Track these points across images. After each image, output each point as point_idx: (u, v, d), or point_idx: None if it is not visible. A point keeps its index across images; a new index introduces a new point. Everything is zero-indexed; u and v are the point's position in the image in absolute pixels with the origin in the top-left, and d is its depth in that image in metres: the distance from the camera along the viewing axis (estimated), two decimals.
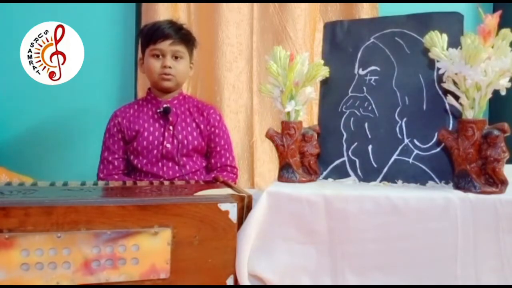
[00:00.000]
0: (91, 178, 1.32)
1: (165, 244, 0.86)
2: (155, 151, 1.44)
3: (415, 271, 0.88)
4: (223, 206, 0.90)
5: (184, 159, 1.46)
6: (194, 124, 1.49)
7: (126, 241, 0.83)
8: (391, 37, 1.06)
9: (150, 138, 1.44)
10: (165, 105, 1.46)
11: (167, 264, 0.86)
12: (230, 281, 0.90)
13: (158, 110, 1.47)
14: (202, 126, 1.50)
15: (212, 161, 1.53)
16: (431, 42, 0.93)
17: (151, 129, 1.46)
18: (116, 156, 1.46)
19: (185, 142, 1.45)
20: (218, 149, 1.52)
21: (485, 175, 0.90)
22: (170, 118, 1.45)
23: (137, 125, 1.46)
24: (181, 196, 0.94)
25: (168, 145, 1.44)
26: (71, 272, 0.80)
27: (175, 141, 1.45)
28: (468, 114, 0.90)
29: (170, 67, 1.45)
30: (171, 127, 1.46)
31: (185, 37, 1.49)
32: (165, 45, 1.45)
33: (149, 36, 1.46)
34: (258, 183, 1.90)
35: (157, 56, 1.46)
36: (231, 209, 0.90)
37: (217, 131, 1.52)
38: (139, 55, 1.53)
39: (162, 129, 1.45)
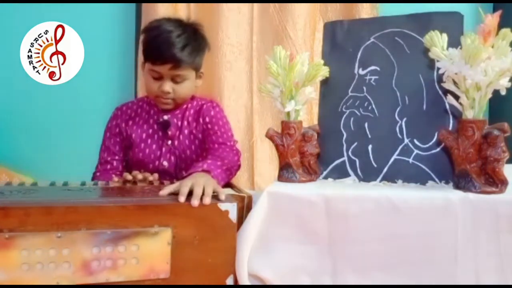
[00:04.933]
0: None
1: (165, 244, 0.86)
2: (150, 166, 1.33)
3: (415, 271, 0.88)
4: (223, 206, 0.90)
5: (184, 173, 1.30)
6: (192, 136, 1.35)
7: (126, 241, 0.83)
8: (391, 37, 1.06)
9: (147, 151, 1.33)
10: (165, 117, 1.33)
11: (167, 264, 0.86)
12: (229, 281, 0.90)
13: (158, 122, 1.35)
14: (200, 135, 1.36)
15: (210, 145, 1.34)
16: (431, 42, 0.93)
17: (149, 141, 1.34)
18: (117, 157, 1.37)
19: (183, 156, 1.34)
20: (212, 132, 1.35)
21: (485, 175, 0.90)
22: (170, 133, 1.33)
23: (134, 134, 1.35)
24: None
25: (165, 163, 1.32)
26: (71, 272, 0.80)
27: (172, 157, 1.33)
28: (468, 114, 0.90)
29: (168, 92, 1.27)
30: (169, 142, 1.34)
31: (190, 58, 1.26)
32: (163, 69, 1.25)
33: (147, 52, 1.28)
34: (258, 183, 1.90)
35: (155, 78, 1.28)
36: (231, 209, 0.90)
37: (209, 125, 1.36)
38: (140, 57, 1.38)
39: (161, 142, 1.34)
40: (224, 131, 1.35)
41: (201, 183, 0.92)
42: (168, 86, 1.27)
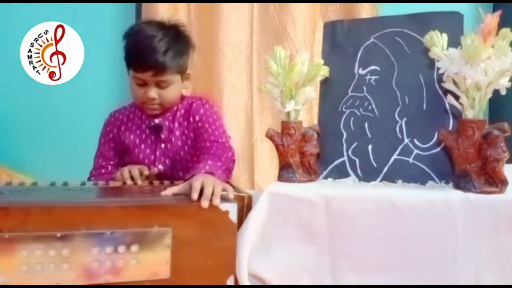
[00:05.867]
0: None
1: (165, 245, 0.86)
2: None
3: (415, 271, 0.88)
4: (223, 206, 0.89)
5: (180, 173, 1.32)
6: (184, 137, 1.33)
7: (126, 241, 0.83)
8: (391, 37, 1.06)
9: (141, 156, 1.31)
10: (156, 121, 1.31)
11: (167, 265, 0.86)
12: (230, 282, 0.90)
13: (149, 126, 1.33)
14: (192, 135, 1.33)
15: (202, 144, 1.30)
16: (431, 42, 0.93)
17: (142, 146, 1.32)
18: (111, 162, 1.36)
19: (177, 157, 1.32)
20: (203, 130, 1.31)
21: (485, 175, 0.90)
22: (162, 136, 1.31)
23: (127, 140, 1.33)
24: (181, 196, 0.94)
25: (161, 166, 1.31)
26: (71, 272, 0.80)
27: (167, 160, 1.32)
28: (468, 114, 0.90)
29: (154, 99, 1.25)
30: (162, 145, 1.32)
31: (173, 62, 1.23)
32: (147, 76, 1.21)
33: (129, 59, 1.25)
34: (258, 183, 1.89)
35: (140, 84, 1.24)
36: (231, 209, 0.90)
37: (200, 124, 1.32)
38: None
39: (154, 146, 1.32)
40: (215, 128, 1.32)
41: (210, 183, 0.92)
42: (153, 92, 1.24)
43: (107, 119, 1.40)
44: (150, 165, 1.30)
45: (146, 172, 1.17)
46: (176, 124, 1.33)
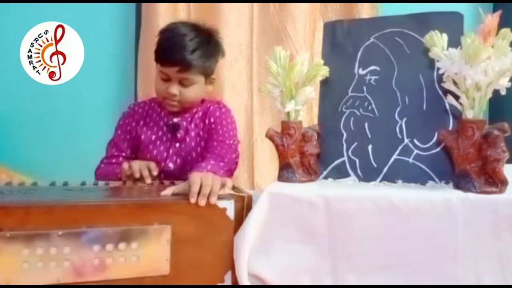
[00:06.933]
0: (91, 178, 1.32)
1: (165, 241, 0.87)
2: None
3: (415, 271, 0.88)
4: (220, 204, 0.91)
5: (188, 174, 1.35)
6: (198, 138, 1.36)
7: (126, 239, 0.84)
8: (391, 37, 1.06)
9: (154, 152, 1.34)
10: (175, 120, 1.34)
11: (166, 261, 0.87)
12: (227, 277, 0.92)
13: (167, 124, 1.36)
14: (206, 136, 1.36)
15: (209, 143, 1.34)
16: (431, 42, 0.93)
17: (158, 143, 1.35)
18: (123, 154, 1.37)
19: (189, 158, 1.35)
20: (214, 131, 1.35)
21: (485, 175, 0.90)
22: (179, 135, 1.34)
23: (144, 135, 1.36)
24: (180, 196, 0.94)
25: (171, 165, 1.33)
26: (72, 270, 0.81)
27: (178, 160, 1.34)
28: (468, 114, 0.90)
29: (175, 95, 1.28)
30: (177, 144, 1.34)
31: (199, 62, 1.27)
32: (172, 71, 1.25)
33: (158, 53, 1.29)
34: (258, 183, 1.90)
35: (164, 79, 1.29)
36: (229, 206, 0.92)
37: (213, 125, 1.36)
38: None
39: (169, 144, 1.35)
40: (226, 130, 1.36)
41: (209, 183, 0.93)
42: (175, 88, 1.27)
43: (126, 111, 1.42)
44: (162, 163, 1.32)
45: (155, 172, 1.17)
46: (193, 125, 1.36)
